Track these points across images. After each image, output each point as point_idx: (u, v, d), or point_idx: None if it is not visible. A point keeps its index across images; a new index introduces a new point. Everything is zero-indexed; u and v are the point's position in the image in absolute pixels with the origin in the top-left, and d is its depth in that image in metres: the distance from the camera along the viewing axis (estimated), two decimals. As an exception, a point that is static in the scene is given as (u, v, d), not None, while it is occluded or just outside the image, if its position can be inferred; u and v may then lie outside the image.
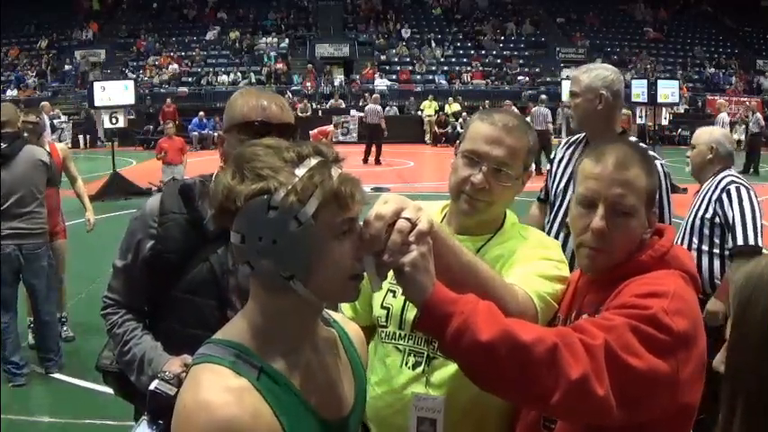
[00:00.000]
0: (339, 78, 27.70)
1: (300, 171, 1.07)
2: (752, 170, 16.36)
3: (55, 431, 4.06)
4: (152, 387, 1.53)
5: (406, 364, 1.62)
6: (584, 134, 3.03)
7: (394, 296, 1.63)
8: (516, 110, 20.40)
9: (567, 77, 17.23)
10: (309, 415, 1.13)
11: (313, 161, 1.08)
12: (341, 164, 1.13)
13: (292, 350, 1.14)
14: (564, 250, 2.80)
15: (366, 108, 19.62)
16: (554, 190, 2.99)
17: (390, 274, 1.19)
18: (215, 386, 1.04)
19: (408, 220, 1.17)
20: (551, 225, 2.92)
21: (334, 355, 1.24)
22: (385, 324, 1.66)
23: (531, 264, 1.56)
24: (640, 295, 1.33)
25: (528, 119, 19.82)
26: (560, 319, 1.54)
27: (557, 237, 2.84)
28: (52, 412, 4.25)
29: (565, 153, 3.04)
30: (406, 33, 30.14)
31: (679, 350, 1.28)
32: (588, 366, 1.19)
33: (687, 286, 1.40)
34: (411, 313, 1.62)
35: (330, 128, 21.27)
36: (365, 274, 1.14)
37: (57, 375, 4.74)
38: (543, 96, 19.09)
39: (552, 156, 3.12)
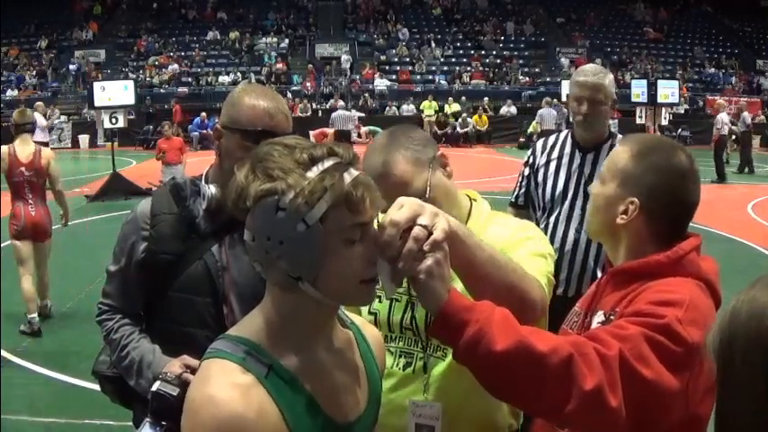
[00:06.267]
0: (339, 78, 27.71)
1: (312, 173, 1.06)
2: (746, 170, 16.36)
3: (55, 431, 4.06)
4: (154, 388, 1.53)
5: (398, 365, 1.62)
6: (564, 135, 2.98)
7: (380, 301, 1.63)
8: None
9: (569, 76, 17.26)
10: (317, 415, 1.12)
11: (327, 163, 1.08)
12: (359, 165, 1.12)
13: (305, 349, 1.14)
14: (576, 249, 2.80)
15: (333, 114, 18.69)
16: (548, 195, 2.91)
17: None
18: (222, 381, 1.05)
19: (424, 227, 1.15)
20: (553, 229, 2.85)
21: (348, 357, 1.23)
22: None
23: (521, 247, 1.58)
24: (655, 303, 1.32)
25: (537, 118, 19.75)
26: (581, 315, 1.55)
27: (563, 240, 2.82)
28: (52, 412, 4.25)
29: (550, 157, 2.95)
30: (405, 34, 30.12)
31: (692, 362, 1.27)
32: (603, 377, 1.18)
33: (703, 295, 1.39)
34: (398, 315, 1.63)
35: (330, 129, 21.25)
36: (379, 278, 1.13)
37: (57, 375, 4.75)
38: (548, 98, 19.19)
39: (531, 161, 3.03)
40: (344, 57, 28.08)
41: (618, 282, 1.47)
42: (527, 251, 1.57)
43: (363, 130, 19.68)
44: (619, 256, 1.50)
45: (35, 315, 5.58)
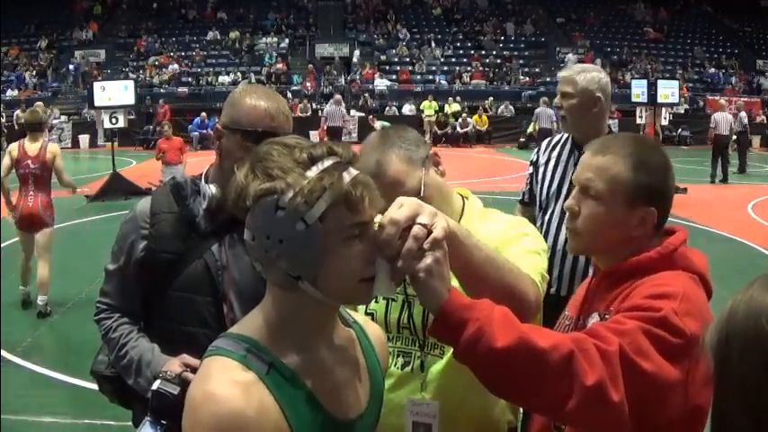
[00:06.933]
0: (340, 79, 27.72)
1: (312, 172, 1.07)
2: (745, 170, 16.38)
3: (55, 431, 4.06)
4: (155, 387, 1.53)
5: (395, 365, 1.63)
6: (567, 135, 3.01)
7: (376, 301, 1.64)
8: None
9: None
10: (318, 412, 1.13)
11: (327, 162, 1.09)
12: (358, 165, 1.12)
13: (306, 347, 1.14)
14: (567, 248, 2.81)
15: (326, 109, 18.79)
16: (544, 193, 2.95)
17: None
18: (223, 379, 1.05)
19: (424, 226, 1.16)
20: (547, 227, 2.89)
21: (350, 355, 1.23)
22: None
23: (516, 243, 1.59)
24: (650, 297, 1.33)
25: (533, 117, 20.01)
26: (573, 320, 1.55)
27: (556, 238, 2.84)
28: (52, 412, 4.25)
29: (550, 155, 3.00)
30: (405, 34, 30.12)
31: (690, 352, 1.27)
32: (604, 372, 1.18)
33: (696, 287, 1.40)
34: (394, 315, 1.64)
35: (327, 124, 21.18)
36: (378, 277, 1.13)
37: (57, 375, 4.75)
38: (545, 98, 19.24)
39: (534, 159, 3.09)
40: (356, 52, 28.11)
41: (610, 282, 1.47)
42: (521, 248, 1.57)
43: (377, 124, 19.63)
44: (617, 260, 1.48)
45: (26, 288, 6.15)
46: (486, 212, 1.73)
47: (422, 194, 1.53)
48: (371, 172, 1.50)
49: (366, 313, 1.64)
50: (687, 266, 1.42)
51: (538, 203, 3.00)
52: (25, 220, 6.08)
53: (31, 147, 6.14)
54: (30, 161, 6.09)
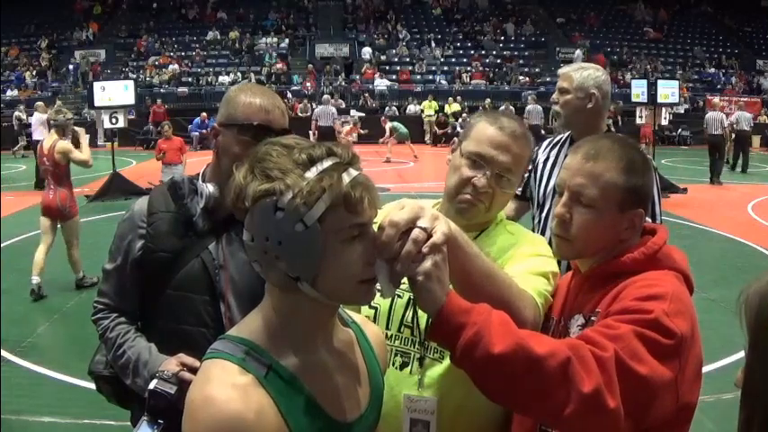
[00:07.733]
0: (339, 78, 27.74)
1: (311, 173, 1.06)
2: (740, 169, 16.39)
3: (55, 431, 4.06)
4: (151, 386, 1.52)
5: (393, 364, 1.61)
6: (568, 134, 3.02)
7: (381, 296, 1.63)
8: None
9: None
10: (317, 415, 1.12)
11: (326, 163, 1.08)
12: (358, 165, 1.12)
13: (305, 349, 1.14)
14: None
15: (317, 110, 18.65)
16: (542, 191, 2.95)
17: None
18: (221, 382, 1.05)
19: (424, 229, 1.15)
20: (543, 225, 2.90)
21: (349, 357, 1.23)
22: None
23: (525, 261, 1.57)
24: (640, 298, 1.33)
25: (525, 114, 20.43)
26: (554, 321, 1.54)
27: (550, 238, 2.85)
28: (52, 412, 4.25)
29: (549, 154, 3.00)
30: (405, 34, 30.12)
31: (682, 352, 1.28)
32: (600, 379, 1.18)
33: (682, 286, 1.40)
34: (399, 312, 1.63)
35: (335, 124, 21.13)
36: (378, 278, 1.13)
37: (57, 375, 4.75)
38: (534, 96, 19.43)
39: (535, 157, 3.11)
40: (366, 50, 28.10)
41: (594, 283, 1.47)
42: (528, 267, 1.55)
43: (388, 125, 19.59)
44: (601, 261, 1.48)
45: (37, 278, 6.36)
46: (508, 224, 1.73)
47: (524, 177, 1.63)
48: (515, 132, 1.61)
49: (370, 307, 1.63)
50: (671, 266, 1.43)
51: (535, 201, 3.00)
52: (46, 211, 6.63)
53: (46, 145, 6.70)
54: (45, 158, 6.66)
